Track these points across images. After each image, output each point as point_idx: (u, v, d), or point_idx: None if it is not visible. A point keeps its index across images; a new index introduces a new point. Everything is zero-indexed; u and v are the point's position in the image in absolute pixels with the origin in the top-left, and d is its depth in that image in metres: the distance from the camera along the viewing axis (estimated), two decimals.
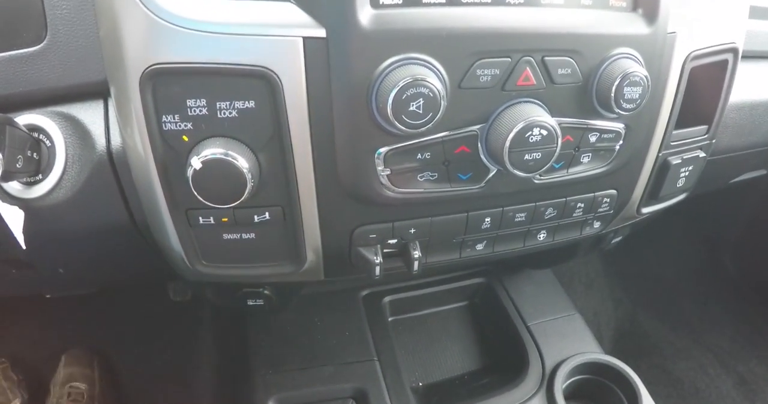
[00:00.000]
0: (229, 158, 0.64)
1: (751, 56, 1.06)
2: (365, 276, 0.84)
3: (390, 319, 1.30)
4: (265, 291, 0.94)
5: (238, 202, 0.68)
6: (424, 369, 1.27)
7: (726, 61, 0.89)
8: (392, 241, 0.80)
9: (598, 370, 1.19)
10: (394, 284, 1.32)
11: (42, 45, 0.70)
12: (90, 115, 0.75)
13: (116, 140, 0.74)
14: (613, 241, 1.11)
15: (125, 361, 1.70)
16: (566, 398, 1.13)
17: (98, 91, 0.74)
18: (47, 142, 0.75)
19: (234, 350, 1.30)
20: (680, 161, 0.90)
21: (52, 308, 1.66)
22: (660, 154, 0.88)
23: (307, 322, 1.23)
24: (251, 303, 0.97)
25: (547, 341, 1.23)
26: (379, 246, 0.79)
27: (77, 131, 0.74)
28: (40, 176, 0.75)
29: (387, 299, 1.30)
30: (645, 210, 0.95)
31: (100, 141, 0.74)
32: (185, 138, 0.66)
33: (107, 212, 0.80)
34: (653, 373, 1.17)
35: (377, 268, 0.78)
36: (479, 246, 0.86)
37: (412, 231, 0.79)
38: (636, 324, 1.84)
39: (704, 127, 0.93)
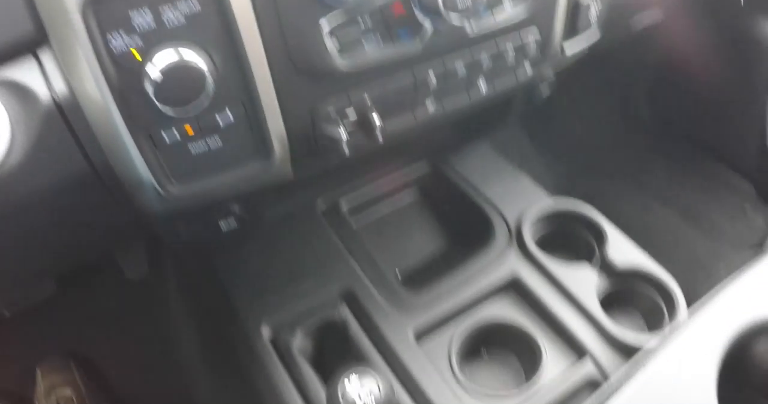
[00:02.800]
0: (186, 60, 0.70)
1: None
2: (333, 164, 0.92)
3: (352, 221, 1.39)
4: (236, 209, 1.01)
5: (199, 101, 0.74)
6: (398, 261, 1.37)
7: None
8: (351, 112, 0.88)
9: (559, 215, 1.32)
10: (349, 187, 1.40)
11: None
12: (24, 71, 0.75)
13: (60, 88, 0.76)
14: (543, 95, 1.22)
15: (102, 356, 1.71)
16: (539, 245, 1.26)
17: (26, 46, 0.75)
18: None
19: (209, 300, 1.34)
20: None
21: (7, 325, 1.65)
22: None
23: (274, 248, 1.30)
24: (224, 227, 1.03)
25: (504, 201, 1.35)
26: (339, 119, 0.87)
27: (16, 92, 0.75)
28: None
29: (344, 203, 1.39)
30: (567, 47, 1.07)
31: (43, 93, 0.75)
32: (137, 55, 0.70)
33: (65, 165, 0.82)
34: None
35: (344, 145, 0.86)
36: (430, 105, 0.95)
37: (367, 96, 0.88)
38: (574, 184, 1.99)
39: None
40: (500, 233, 1.29)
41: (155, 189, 0.83)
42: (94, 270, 1.76)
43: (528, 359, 1.16)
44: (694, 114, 2.02)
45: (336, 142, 0.86)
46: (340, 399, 0.84)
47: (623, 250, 1.25)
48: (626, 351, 1.11)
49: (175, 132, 0.78)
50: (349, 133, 0.87)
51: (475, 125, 1.42)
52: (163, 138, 0.78)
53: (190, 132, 0.79)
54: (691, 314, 0.66)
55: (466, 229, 1.40)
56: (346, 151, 0.87)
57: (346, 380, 0.85)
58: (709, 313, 0.63)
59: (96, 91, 0.73)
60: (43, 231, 0.94)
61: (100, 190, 0.88)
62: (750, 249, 1.78)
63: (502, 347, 1.21)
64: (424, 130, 1.00)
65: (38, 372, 1.59)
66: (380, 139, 0.88)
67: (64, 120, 0.77)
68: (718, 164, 1.98)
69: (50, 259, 1.09)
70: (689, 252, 1.78)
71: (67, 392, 1.53)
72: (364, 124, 0.89)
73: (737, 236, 1.81)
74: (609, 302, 1.18)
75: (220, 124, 0.79)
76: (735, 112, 1.85)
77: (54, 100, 0.76)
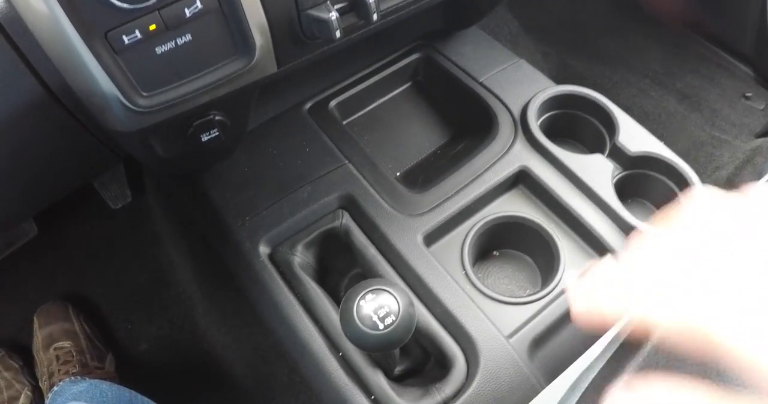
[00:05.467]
0: None
1: None
2: (322, 52, 0.83)
3: (344, 123, 1.28)
4: (217, 118, 0.89)
5: None
6: (397, 159, 1.27)
7: None
8: None
9: (565, 102, 1.22)
10: (336, 87, 1.28)
11: None
12: None
13: None
14: None
15: (97, 293, 1.63)
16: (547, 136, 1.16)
17: None
18: None
19: (199, 222, 1.25)
20: None
21: None
22: None
23: (262, 156, 1.19)
24: (206, 139, 0.92)
25: (505, 89, 1.24)
26: (328, 2, 0.76)
27: None
28: None
29: (333, 103, 1.26)
30: None
31: None
32: None
33: (15, 90, 0.72)
34: None
35: (336, 28, 0.75)
36: None
37: None
38: (569, 69, 1.89)
39: None
40: (504, 123, 1.19)
41: (122, 103, 0.73)
42: (74, 206, 1.67)
43: (545, 260, 1.09)
44: None
45: (325, 23, 0.75)
46: (356, 318, 0.76)
47: (635, 136, 1.16)
48: None
49: (135, 30, 0.67)
50: (339, 13, 0.76)
51: (469, 5, 1.29)
52: (122, 39, 0.67)
53: (153, 28, 0.67)
54: None
55: (466, 120, 1.30)
56: (337, 33, 0.75)
57: (362, 301, 0.76)
58: None
59: None
60: (8, 169, 0.85)
61: (61, 114, 0.79)
62: (754, 138, 1.72)
63: (515, 249, 1.15)
64: (418, 7, 0.88)
65: (35, 322, 1.52)
66: (375, 17, 0.77)
67: (5, 37, 0.68)
68: (715, 47, 1.90)
69: (23, 198, 1.00)
70: (691, 139, 1.72)
71: (67, 345, 1.45)
72: (356, 4, 0.78)
73: (738, 122, 1.75)
74: (620, 194, 1.10)
75: (187, 14, 0.67)
76: None
77: None
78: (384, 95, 1.34)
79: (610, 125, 1.18)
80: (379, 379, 0.93)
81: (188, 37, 0.70)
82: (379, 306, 0.76)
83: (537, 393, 0.94)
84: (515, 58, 1.31)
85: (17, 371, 1.47)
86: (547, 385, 0.95)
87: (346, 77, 1.29)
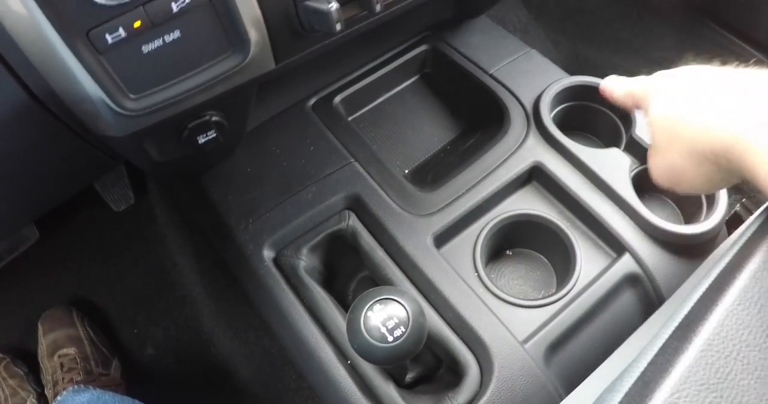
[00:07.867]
0: None
1: None
2: (322, 46, 0.77)
3: (349, 119, 1.22)
4: (214, 118, 0.84)
5: None
6: (405, 156, 1.21)
7: None
8: None
9: (579, 94, 1.15)
10: (340, 82, 1.22)
11: None
12: None
13: None
14: None
15: (103, 299, 1.59)
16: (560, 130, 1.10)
17: None
18: None
19: (203, 224, 1.21)
20: None
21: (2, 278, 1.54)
22: None
23: (265, 156, 1.13)
24: (203, 141, 0.87)
25: (516, 81, 1.18)
26: None
27: None
28: None
29: (337, 99, 1.20)
30: None
31: None
32: None
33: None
34: None
35: (336, 20, 0.69)
36: None
37: None
38: (581, 58, 1.83)
39: None
40: (516, 116, 1.13)
41: (108, 107, 0.68)
42: (76, 209, 1.63)
43: (560, 259, 1.04)
44: None
45: (324, 15, 0.69)
46: (363, 330, 0.71)
47: None
48: (668, 245, 0.98)
49: (119, 28, 0.61)
50: (340, 3, 0.70)
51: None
52: (105, 38, 0.61)
53: (138, 25, 0.62)
54: None
55: (476, 115, 1.24)
56: (338, 26, 0.70)
57: (369, 312, 0.71)
58: None
59: None
60: (2, 176, 0.80)
61: (49, 120, 0.74)
62: None
63: (529, 248, 1.09)
64: None
65: (39, 328, 1.48)
66: (378, 7, 0.72)
67: None
68: (729, 34, 1.83)
69: (19, 204, 0.95)
70: None
71: (71, 352, 1.41)
72: None
73: None
74: (638, 189, 1.04)
75: (174, 9, 0.62)
76: None
77: None
78: (390, 89, 1.28)
79: (627, 117, 1.12)
80: (389, 388, 0.88)
81: (177, 34, 0.65)
82: (388, 316, 0.71)
83: (555, 401, 0.90)
84: (526, 47, 1.25)
85: (22, 378, 1.43)
86: (565, 393, 0.91)
87: (350, 71, 1.23)
